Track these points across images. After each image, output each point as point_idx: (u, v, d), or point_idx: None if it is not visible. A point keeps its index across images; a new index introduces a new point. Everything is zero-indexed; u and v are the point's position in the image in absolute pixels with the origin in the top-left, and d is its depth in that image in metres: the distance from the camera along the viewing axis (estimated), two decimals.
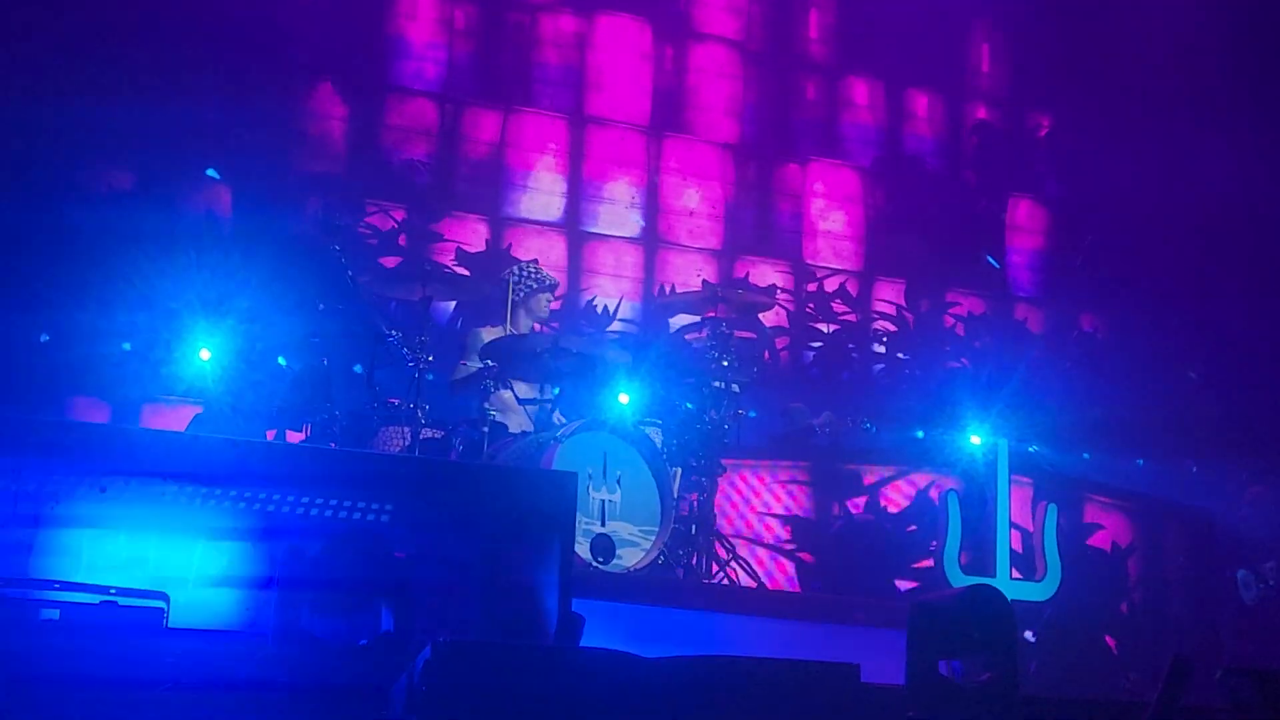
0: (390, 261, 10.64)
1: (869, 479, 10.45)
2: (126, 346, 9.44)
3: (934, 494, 10.10)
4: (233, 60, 10.40)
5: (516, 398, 8.39)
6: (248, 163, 10.47)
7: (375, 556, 5.10)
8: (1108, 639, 10.11)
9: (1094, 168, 12.74)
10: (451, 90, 11.50)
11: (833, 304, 12.04)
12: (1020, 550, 9.55)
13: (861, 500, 10.33)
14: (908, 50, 12.67)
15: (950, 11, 12.90)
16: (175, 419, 8.98)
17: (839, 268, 12.25)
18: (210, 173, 10.40)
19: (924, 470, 10.45)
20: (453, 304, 10.53)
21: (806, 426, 10.60)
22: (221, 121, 10.42)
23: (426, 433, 7.80)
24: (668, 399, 8.52)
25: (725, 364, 8.58)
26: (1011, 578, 9.07)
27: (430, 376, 8.19)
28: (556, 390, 8.47)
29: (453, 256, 11.01)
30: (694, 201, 11.96)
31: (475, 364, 8.22)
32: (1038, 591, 9.19)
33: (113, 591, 4.78)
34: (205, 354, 8.67)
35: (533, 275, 8.71)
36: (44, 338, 9.35)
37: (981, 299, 12.55)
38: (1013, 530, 9.36)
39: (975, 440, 9.76)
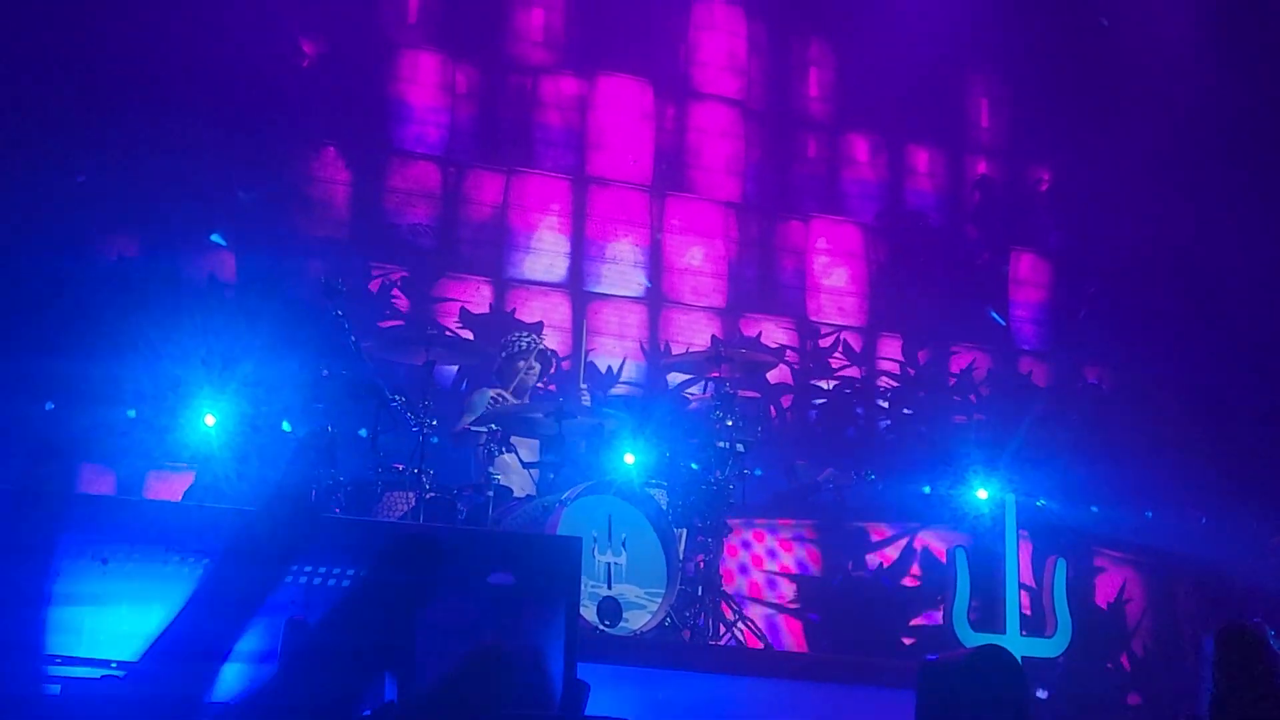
0: (393, 325, 10.66)
1: (874, 535, 10.43)
2: (132, 414, 9.45)
3: (940, 550, 10.07)
4: (236, 126, 10.46)
5: (520, 461, 8.39)
6: (251, 228, 10.52)
7: (378, 625, 5.08)
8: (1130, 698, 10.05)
9: (1096, 220, 12.77)
10: (454, 153, 11.56)
11: (834, 360, 12.03)
12: (1028, 607, 9.49)
13: (864, 557, 10.30)
14: (907, 106, 12.73)
15: (949, 67, 12.96)
16: (180, 486, 8.97)
17: (842, 323, 12.25)
18: (215, 238, 10.44)
19: (930, 526, 10.42)
20: (456, 367, 10.53)
21: (810, 483, 10.59)
22: (225, 187, 10.48)
23: (431, 497, 7.78)
24: (672, 460, 8.52)
25: (729, 423, 8.57)
26: (1021, 635, 9.01)
27: (435, 440, 8.20)
28: (561, 453, 8.47)
29: (456, 318, 11.02)
30: (697, 259, 11.99)
31: (477, 428, 8.23)
32: (1048, 648, 9.13)
33: (114, 665, 4.76)
34: (210, 420, 8.67)
35: (523, 343, 8.74)
36: (49, 406, 9.36)
37: (986, 353, 12.54)
38: (1021, 588, 9.32)
39: (982, 495, 9.74)
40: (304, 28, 11.09)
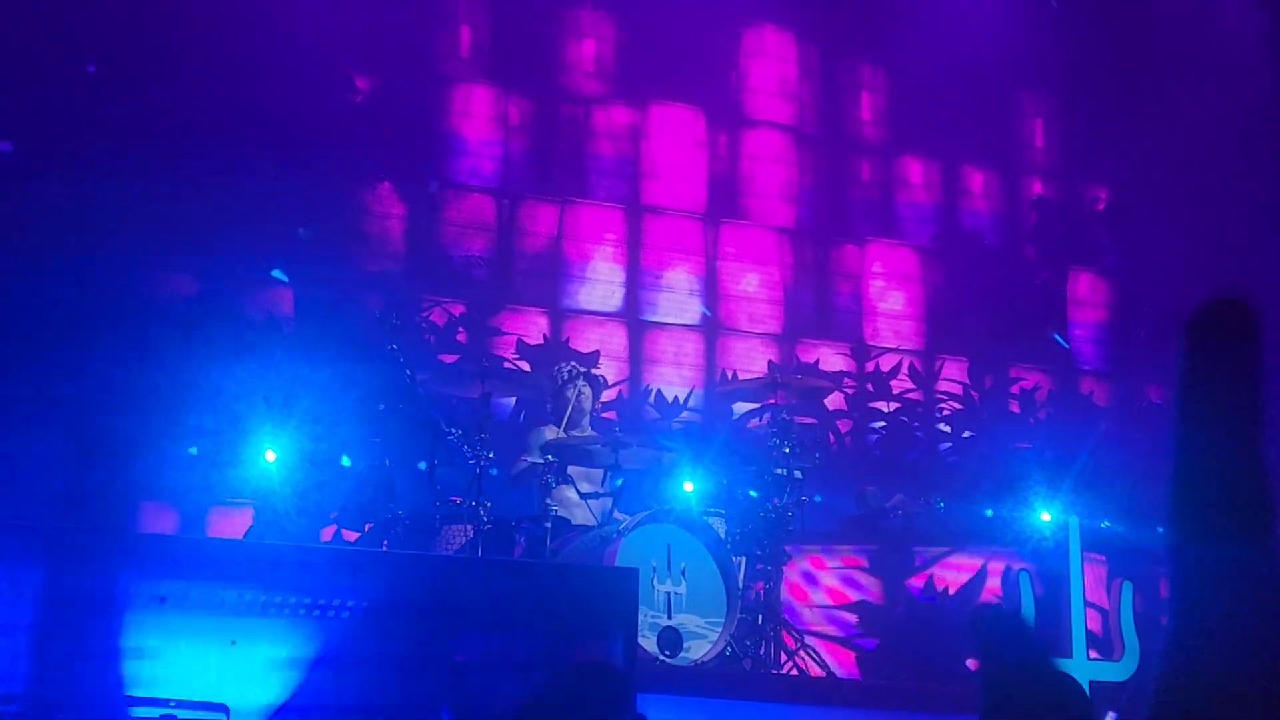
0: (450, 357, 10.69)
1: (937, 560, 10.34)
2: (193, 451, 9.52)
3: (1003, 573, 9.97)
4: (292, 162, 10.55)
5: (578, 492, 8.39)
6: (308, 264, 10.59)
7: (437, 660, 5.09)
8: None
9: (1154, 238, 12.64)
10: (508, 185, 11.61)
11: (893, 384, 11.97)
12: (1098, 630, 9.39)
13: (927, 581, 10.21)
14: (961, 128, 12.67)
15: (1002, 87, 12.90)
16: (242, 522, 9.03)
17: (902, 348, 12.19)
18: (276, 274, 10.51)
19: (993, 550, 10.32)
20: (513, 400, 10.55)
21: (879, 509, 10.53)
22: (282, 224, 10.57)
23: (488, 530, 7.79)
24: (730, 488, 8.49)
25: (787, 450, 8.53)
26: (1089, 658, 8.91)
27: (494, 471, 8.21)
28: (619, 481, 8.46)
29: (513, 350, 11.05)
30: (753, 286, 11.96)
31: (535, 458, 8.24)
32: (1116, 671, 9.01)
33: (172, 704, 4.79)
34: (270, 456, 8.74)
35: (565, 373, 8.75)
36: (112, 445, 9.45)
37: (1046, 374, 12.44)
38: (1088, 609, 9.21)
39: (1045, 517, 9.64)
40: (357, 63, 11.18)
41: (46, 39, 9.84)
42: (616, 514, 8.31)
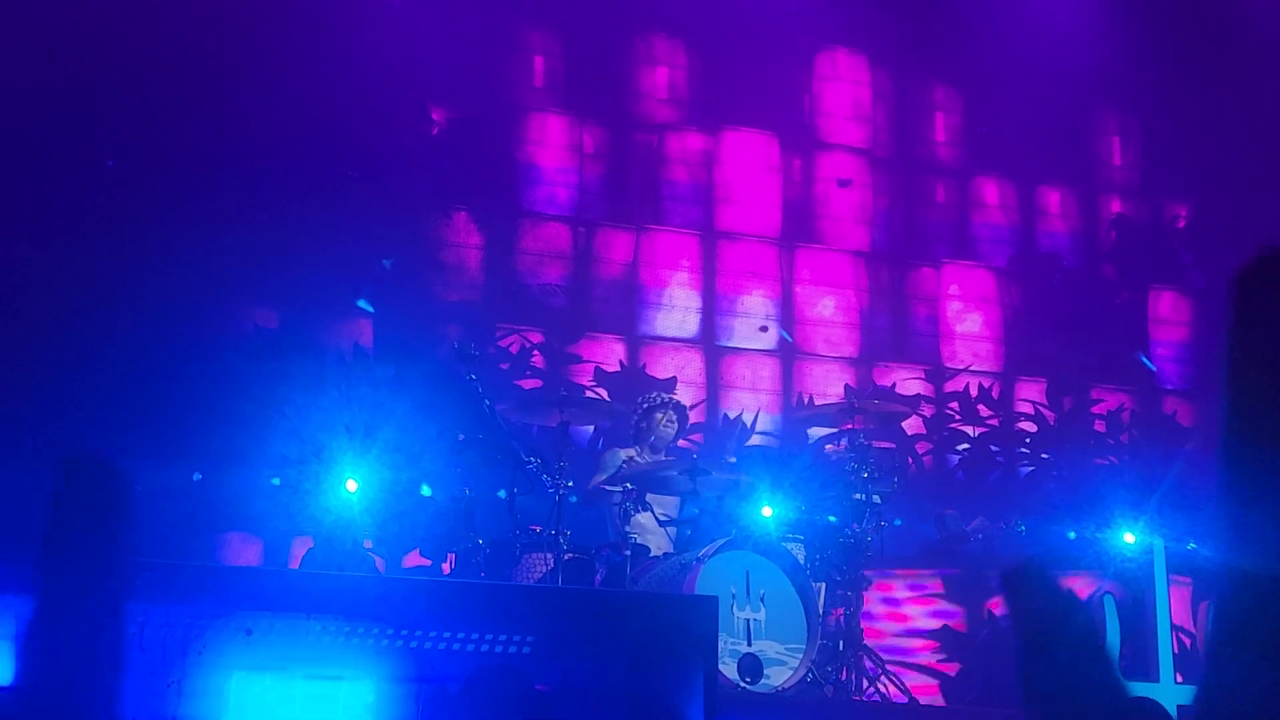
0: (529, 385, 10.76)
1: None
2: (276, 481, 9.63)
3: (1087, 596, 9.86)
4: (370, 195, 10.67)
5: (656, 519, 8.40)
6: (388, 295, 10.70)
7: (518, 690, 5.12)
8: None
9: (1237, 254, 12.46)
10: (583, 213, 11.68)
11: (976, 407, 11.90)
12: (1184, 651, 9.26)
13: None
14: (1037, 147, 12.60)
15: (1077, 106, 12.83)
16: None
17: (978, 369, 12.11)
18: (362, 304, 10.62)
19: (1076, 572, 10.21)
20: (591, 427, 10.60)
21: (959, 532, 10.45)
22: (362, 255, 10.68)
23: (569, 558, 7.82)
24: (809, 513, 8.47)
25: (865, 475, 8.50)
26: (1175, 681, 8.78)
27: (573, 499, 8.24)
28: (697, 510, 8.47)
29: (590, 377, 11.10)
30: (829, 310, 11.95)
31: (608, 478, 8.27)
32: None
33: None
34: (352, 485, 8.81)
35: (657, 399, 8.77)
36: (196, 476, 9.58)
37: (1128, 394, 12.31)
38: (1174, 632, 9.09)
39: (1129, 539, 9.53)
40: (433, 95, 11.30)
41: (132, 69, 10.02)
42: (697, 539, 8.32)
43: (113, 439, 9.20)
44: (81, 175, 9.78)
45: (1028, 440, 11.90)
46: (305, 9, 10.49)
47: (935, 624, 10.05)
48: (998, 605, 10.05)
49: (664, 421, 8.75)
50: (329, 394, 9.69)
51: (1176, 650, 9.10)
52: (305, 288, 10.41)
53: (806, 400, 11.46)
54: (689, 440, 10.35)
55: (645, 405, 8.80)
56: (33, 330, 9.47)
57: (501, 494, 8.39)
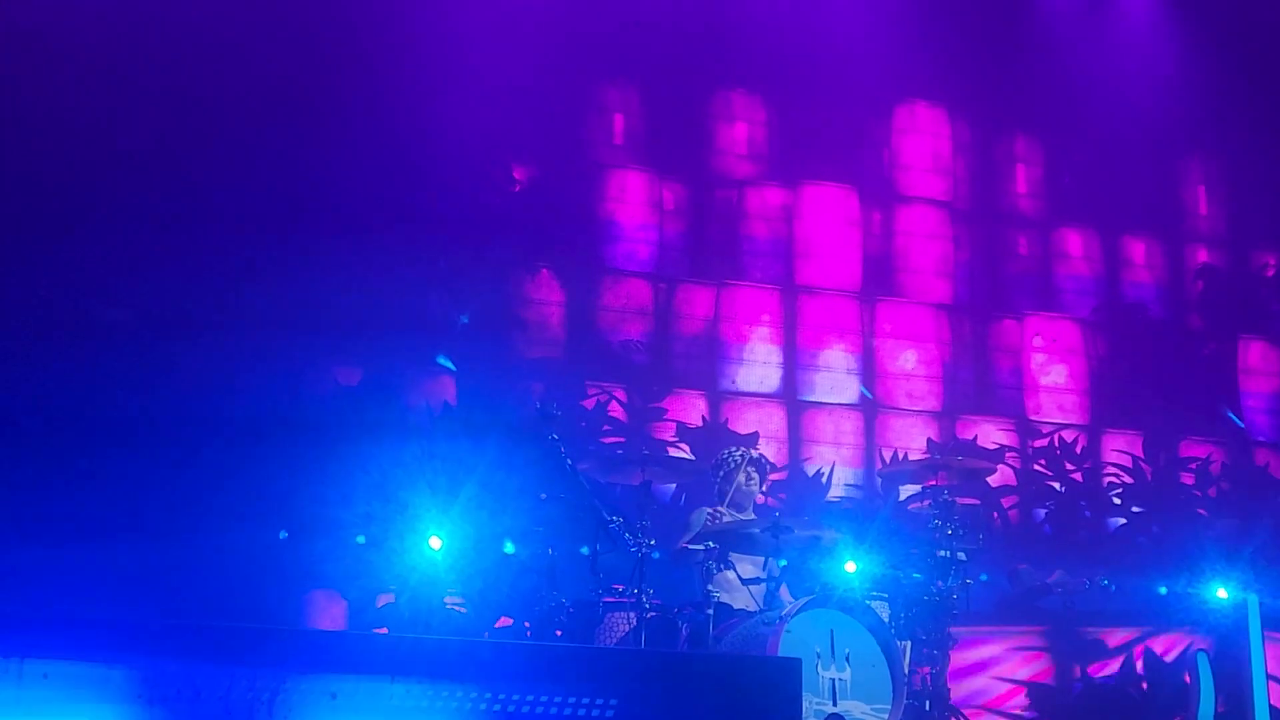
0: (611, 441, 10.78)
1: (1110, 640, 10.07)
2: (361, 540, 9.70)
3: (1180, 653, 9.70)
4: (452, 252, 10.78)
5: (740, 577, 8.37)
6: (470, 352, 10.78)
7: None
8: None
9: None
10: (664, 268, 11.71)
11: (1063, 460, 11.77)
12: None
13: (1103, 663, 9.96)
14: (1120, 198, 12.50)
15: (1161, 155, 12.71)
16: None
17: (1065, 422, 11.99)
18: (443, 361, 10.70)
19: (1169, 629, 10.04)
20: (674, 485, 10.58)
21: (1037, 587, 10.32)
22: (444, 312, 10.77)
23: (651, 617, 7.80)
24: (893, 570, 8.40)
25: (950, 532, 8.43)
26: None
27: (656, 555, 8.23)
28: (783, 562, 8.43)
29: (673, 433, 11.10)
30: (910, 364, 11.90)
31: (695, 546, 8.24)
32: None
33: None
34: (436, 543, 8.87)
35: (736, 458, 8.74)
36: (282, 534, 9.67)
37: (1218, 446, 12.12)
38: (1272, 683, 8.94)
39: (1222, 595, 9.38)
40: (514, 153, 11.40)
41: (220, 130, 10.20)
42: (785, 593, 8.28)
43: (200, 499, 9.33)
44: (168, 237, 9.95)
45: (1119, 494, 11.74)
46: (388, 70, 10.65)
47: (1024, 680, 9.91)
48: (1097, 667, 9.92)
49: (745, 480, 8.72)
50: (412, 451, 9.78)
51: (1275, 705, 8.94)
52: (388, 345, 10.50)
53: (889, 455, 11.39)
54: (771, 497, 10.32)
55: (726, 464, 8.77)
56: (121, 389, 9.62)
57: (585, 551, 8.40)
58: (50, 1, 9.94)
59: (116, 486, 9.30)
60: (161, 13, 10.13)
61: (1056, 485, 11.70)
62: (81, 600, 8.47)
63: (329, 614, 9.70)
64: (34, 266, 9.60)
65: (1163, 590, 10.39)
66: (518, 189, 11.47)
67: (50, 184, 9.75)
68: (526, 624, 8.33)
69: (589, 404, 10.97)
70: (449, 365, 10.73)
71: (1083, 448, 11.87)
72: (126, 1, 10.08)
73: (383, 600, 9.58)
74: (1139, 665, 10.04)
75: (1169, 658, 9.78)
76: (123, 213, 9.89)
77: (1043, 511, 11.67)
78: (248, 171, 10.25)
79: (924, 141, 12.50)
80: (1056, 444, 11.84)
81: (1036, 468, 11.75)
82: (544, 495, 8.25)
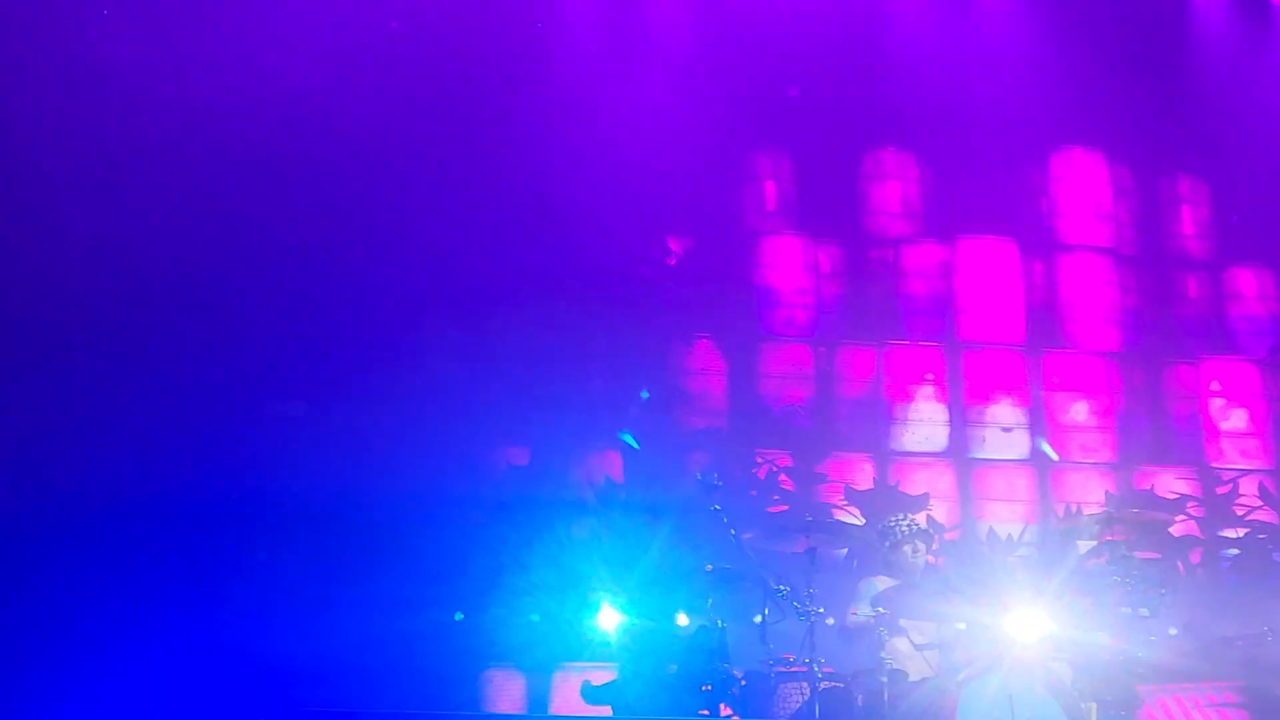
0: (778, 508, 10.72)
1: None
2: (536, 618, 9.77)
3: None
4: (612, 329, 10.87)
5: (912, 642, 8.22)
6: (636, 425, 10.83)
7: None
8: None
9: None
10: (823, 332, 11.66)
11: (1240, 505, 11.38)
12: None
13: None
14: None
15: None
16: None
17: (1248, 468, 11.60)
18: (625, 437, 10.77)
19: None
20: (844, 550, 10.47)
21: (1225, 639, 9.95)
22: (607, 390, 10.85)
23: (825, 687, 7.71)
24: (1073, 630, 8.18)
25: (1131, 587, 8.18)
26: None
27: (830, 621, 8.14)
28: (961, 625, 8.25)
29: (840, 496, 11.00)
30: (1082, 415, 11.64)
31: (866, 612, 8.13)
32: None
33: None
34: (609, 618, 8.89)
35: (902, 528, 8.58)
36: (458, 616, 9.78)
37: None
38: None
39: None
40: (668, 226, 11.48)
41: (386, 228, 10.45)
42: (962, 654, 8.11)
43: (383, 580, 9.50)
44: (335, 328, 10.19)
45: None
46: (541, 154, 10.83)
47: None
48: None
49: (911, 551, 8.56)
50: (585, 525, 9.86)
51: None
52: (554, 425, 10.60)
53: (1064, 510, 11.13)
54: (945, 556, 10.16)
55: (893, 534, 8.60)
56: (298, 478, 9.85)
57: (758, 619, 8.34)
58: (213, 103, 10.29)
59: (306, 570, 9.54)
60: (320, 115, 10.44)
61: (1240, 532, 11.30)
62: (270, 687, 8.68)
63: (507, 692, 9.76)
64: (208, 364, 9.91)
65: None
66: (673, 261, 11.53)
67: (210, 282, 10.08)
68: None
69: (759, 472, 10.92)
70: (632, 443, 10.79)
71: (1269, 493, 11.46)
72: (287, 115, 10.40)
73: (558, 677, 9.63)
74: None
75: None
76: (290, 305, 10.18)
77: (1227, 561, 11.27)
78: (409, 259, 10.48)
79: (1083, 187, 12.28)
80: (1240, 490, 11.44)
81: (1220, 515, 11.37)
82: (710, 567, 8.23)
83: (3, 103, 9.97)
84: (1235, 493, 11.49)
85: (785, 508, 10.74)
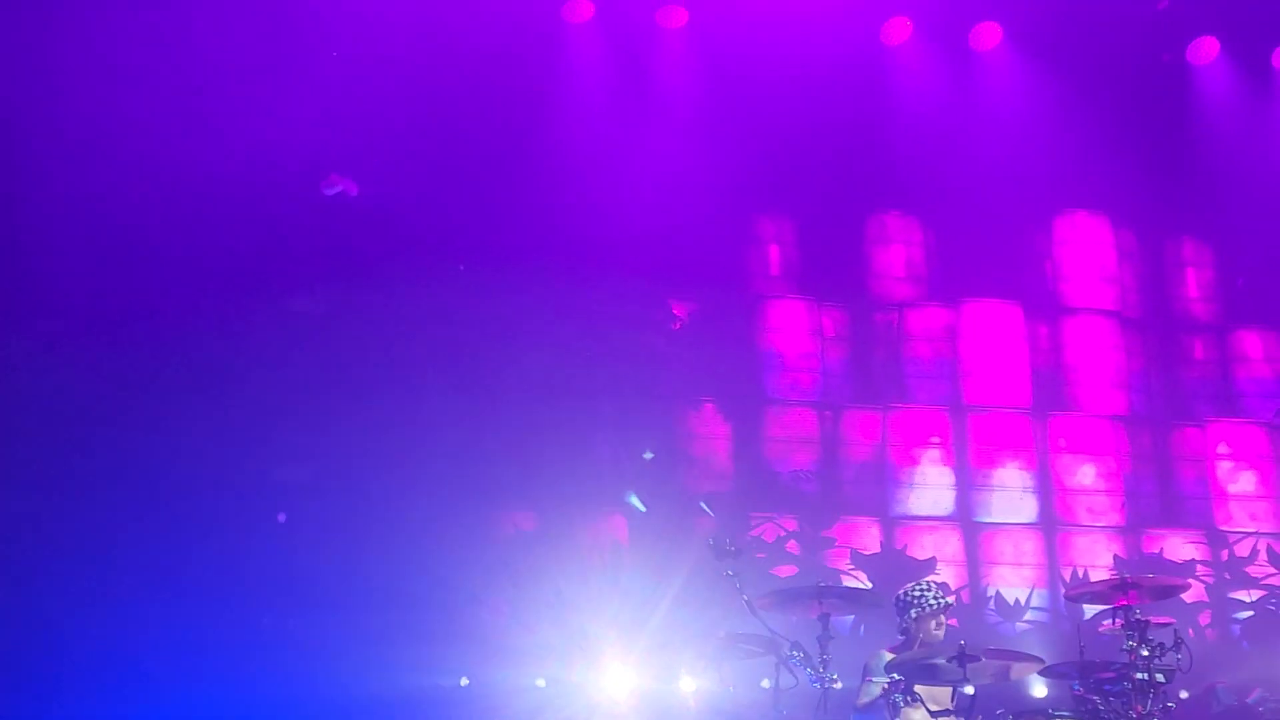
0: (784, 571, 10.65)
1: None
2: (541, 683, 9.70)
3: None
4: (617, 394, 10.85)
5: (928, 710, 8.12)
6: (642, 489, 10.79)
7: None
8: None
9: None
10: (829, 396, 11.65)
11: (1254, 569, 11.32)
12: None
13: None
14: None
15: None
16: None
17: (1258, 530, 11.56)
18: (633, 500, 10.72)
19: None
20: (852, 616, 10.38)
21: (1237, 706, 9.88)
22: (612, 454, 10.81)
23: None
24: (1087, 696, 8.09)
25: (1145, 653, 8.09)
26: None
27: (839, 686, 8.05)
28: (971, 690, 8.15)
29: (847, 560, 10.94)
30: (1089, 478, 11.61)
31: (880, 682, 8.02)
32: None
33: None
34: (620, 681, 8.82)
35: (933, 602, 8.40)
36: (464, 682, 9.71)
37: None
38: None
39: None
40: (673, 290, 11.48)
41: (396, 306, 10.48)
42: None
43: (381, 649, 9.43)
44: (337, 401, 10.18)
45: None
46: (547, 224, 10.85)
47: None
48: None
49: (935, 626, 8.34)
50: (593, 587, 9.81)
51: None
52: (559, 489, 10.56)
53: (1070, 574, 11.06)
54: (954, 617, 10.07)
55: (919, 605, 8.32)
56: (307, 547, 9.81)
57: (765, 684, 8.26)
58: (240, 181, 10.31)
59: (309, 635, 9.50)
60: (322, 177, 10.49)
61: (1250, 596, 11.24)
62: None
63: None
64: (213, 435, 9.88)
65: None
66: (678, 325, 11.53)
67: (225, 352, 10.09)
68: None
69: (765, 535, 10.85)
70: (639, 506, 10.74)
71: (1278, 556, 11.41)
72: (308, 197, 10.46)
73: None
74: None
75: None
76: (289, 374, 10.17)
77: (1237, 627, 11.20)
78: (411, 323, 10.49)
79: (1087, 251, 12.32)
80: (1249, 553, 11.39)
81: (1229, 579, 11.31)
82: (722, 633, 8.16)
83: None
84: (1252, 555, 11.42)
85: (794, 570, 10.67)
